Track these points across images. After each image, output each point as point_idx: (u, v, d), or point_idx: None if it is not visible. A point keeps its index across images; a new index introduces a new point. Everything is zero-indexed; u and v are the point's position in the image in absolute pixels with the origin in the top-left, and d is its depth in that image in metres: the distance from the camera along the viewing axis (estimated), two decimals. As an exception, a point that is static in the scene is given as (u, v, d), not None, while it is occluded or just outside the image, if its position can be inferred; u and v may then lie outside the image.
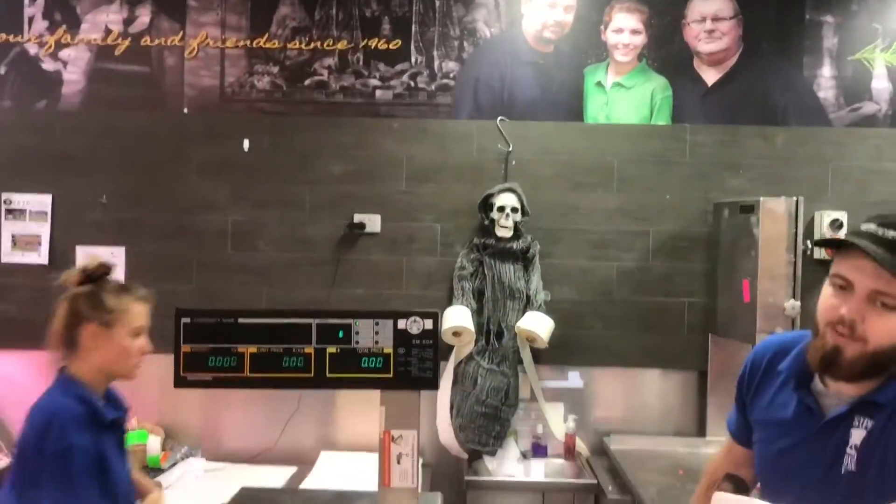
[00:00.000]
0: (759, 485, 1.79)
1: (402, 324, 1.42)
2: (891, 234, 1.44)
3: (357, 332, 1.43)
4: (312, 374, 1.41)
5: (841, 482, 1.53)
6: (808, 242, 3.32)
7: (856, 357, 1.47)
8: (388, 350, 1.42)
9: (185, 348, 1.40)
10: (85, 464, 1.99)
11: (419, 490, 1.45)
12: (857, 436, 1.52)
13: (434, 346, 1.42)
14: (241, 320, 1.42)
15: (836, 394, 1.57)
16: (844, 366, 1.49)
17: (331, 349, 1.42)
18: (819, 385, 1.61)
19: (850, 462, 1.52)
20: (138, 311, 2.18)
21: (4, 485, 2.08)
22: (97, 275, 2.18)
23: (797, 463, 1.61)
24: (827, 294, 1.52)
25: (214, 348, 1.41)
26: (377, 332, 1.43)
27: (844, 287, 1.47)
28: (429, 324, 1.42)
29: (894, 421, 1.49)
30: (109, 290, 2.16)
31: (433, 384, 1.42)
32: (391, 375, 1.41)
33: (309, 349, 1.41)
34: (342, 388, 1.41)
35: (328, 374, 1.42)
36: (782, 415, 1.65)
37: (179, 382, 1.40)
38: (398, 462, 1.43)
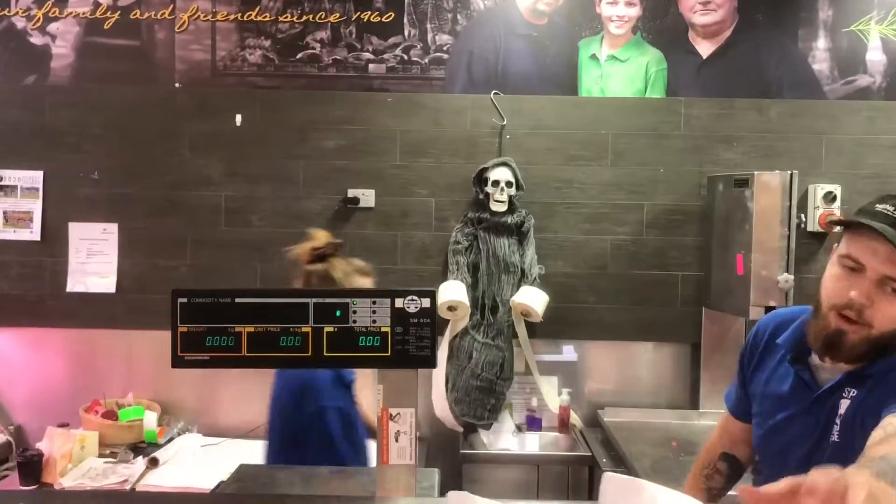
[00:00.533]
0: (757, 458, 1.81)
1: (399, 302, 1.42)
2: None
3: (354, 312, 1.42)
4: (310, 353, 1.41)
5: (827, 453, 1.55)
6: (802, 216, 3.35)
7: (859, 341, 1.46)
8: (386, 329, 1.41)
9: (182, 328, 1.40)
10: (339, 423, 2.20)
11: (417, 466, 1.45)
12: (844, 406, 1.53)
13: (432, 325, 1.42)
14: (237, 300, 1.41)
15: (832, 368, 1.58)
16: (846, 349, 1.49)
17: (328, 328, 1.41)
18: (816, 359, 1.61)
19: (835, 432, 1.53)
20: (363, 286, 2.36)
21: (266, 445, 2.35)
22: (327, 253, 2.34)
23: (791, 436, 1.63)
24: (834, 275, 1.49)
25: (211, 328, 1.40)
26: (374, 311, 1.42)
27: (854, 269, 1.45)
28: (426, 302, 1.42)
29: (876, 390, 1.49)
30: (338, 267, 2.33)
31: (431, 362, 1.42)
32: (389, 354, 1.41)
33: (306, 328, 1.41)
34: (340, 367, 1.41)
35: (326, 353, 1.41)
36: (780, 388, 1.66)
37: (177, 362, 1.40)
38: (396, 440, 1.44)
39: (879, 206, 1.46)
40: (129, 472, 3.11)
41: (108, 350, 3.69)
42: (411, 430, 1.44)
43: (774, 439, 1.67)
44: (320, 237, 2.41)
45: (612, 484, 1.17)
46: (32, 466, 3.04)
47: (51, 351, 3.69)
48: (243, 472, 1.65)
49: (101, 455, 3.30)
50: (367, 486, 1.59)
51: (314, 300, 1.42)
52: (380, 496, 1.44)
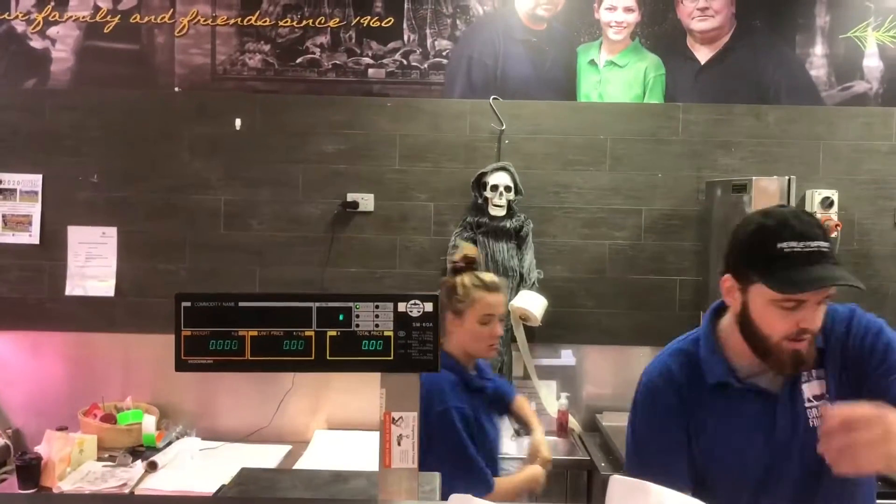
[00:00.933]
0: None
1: (402, 307, 1.42)
2: (813, 244, 1.53)
3: (357, 316, 1.43)
4: (313, 357, 1.42)
5: (805, 439, 1.60)
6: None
7: (812, 346, 1.60)
8: (389, 333, 1.42)
9: (186, 332, 1.40)
10: (462, 423, 2.34)
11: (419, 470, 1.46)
12: (811, 389, 1.63)
13: (434, 329, 1.43)
14: (241, 304, 1.42)
15: (762, 366, 1.65)
16: (809, 359, 1.61)
17: (331, 332, 1.42)
18: (751, 369, 1.68)
19: (813, 416, 1.62)
20: (487, 301, 2.49)
21: None
22: (460, 267, 2.53)
23: (777, 449, 1.64)
24: (778, 315, 1.57)
25: (215, 332, 1.41)
26: (377, 315, 1.43)
27: (794, 307, 1.55)
28: (429, 306, 1.43)
29: (848, 364, 1.63)
30: (464, 282, 2.50)
31: (434, 366, 1.43)
32: (392, 358, 1.42)
33: (309, 332, 1.42)
34: (343, 371, 1.42)
35: (329, 357, 1.42)
36: (742, 416, 1.67)
37: (181, 366, 1.40)
38: (398, 443, 1.44)
39: (787, 246, 1.53)
40: (128, 476, 3.11)
41: (107, 353, 3.69)
42: (413, 434, 1.44)
43: (753, 464, 1.66)
44: (466, 250, 2.58)
45: (620, 486, 1.18)
46: (31, 470, 3.03)
47: (49, 354, 3.68)
48: (245, 475, 1.66)
49: (99, 459, 3.30)
50: (367, 489, 1.59)
51: (317, 304, 1.42)
52: (382, 499, 1.45)
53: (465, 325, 2.49)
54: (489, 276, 2.57)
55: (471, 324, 2.49)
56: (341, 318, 1.42)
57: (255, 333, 1.40)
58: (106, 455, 3.32)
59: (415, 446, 1.43)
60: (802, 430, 1.63)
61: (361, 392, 3.68)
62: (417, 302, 1.43)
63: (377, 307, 1.42)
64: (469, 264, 2.55)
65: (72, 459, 3.16)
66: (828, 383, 1.64)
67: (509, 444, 3.51)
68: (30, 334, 3.69)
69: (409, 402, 1.44)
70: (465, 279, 2.51)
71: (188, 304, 1.41)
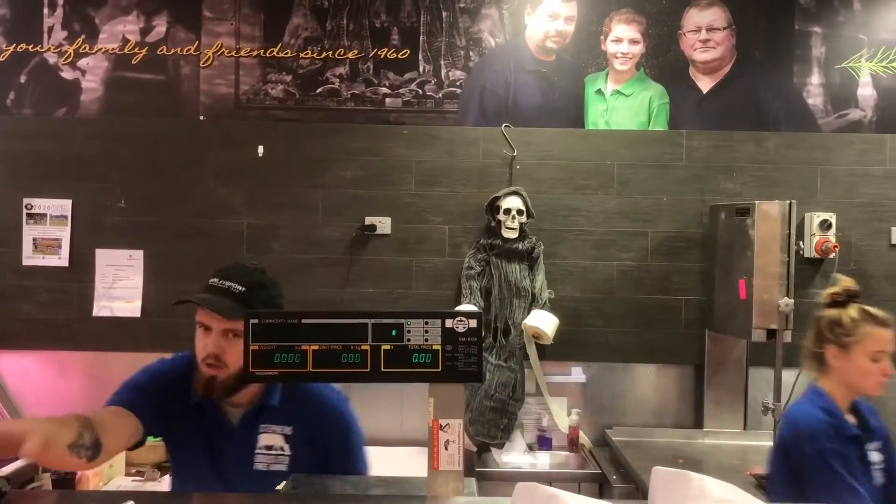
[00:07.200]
0: None
1: (449, 323, 1.57)
2: (226, 283, 2.10)
3: (409, 331, 1.57)
4: (369, 369, 1.56)
5: None
6: (801, 243, 3.54)
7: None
8: (437, 347, 1.56)
9: (254, 347, 1.54)
10: (842, 465, 2.27)
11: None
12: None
13: (478, 343, 1.57)
14: (304, 321, 1.56)
15: None
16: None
17: (385, 346, 1.56)
18: None
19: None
20: (878, 336, 2.38)
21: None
22: (842, 298, 2.44)
23: None
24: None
25: (280, 346, 1.55)
26: (427, 331, 1.57)
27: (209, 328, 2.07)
28: (473, 323, 1.58)
29: None
30: (850, 314, 2.41)
31: (478, 377, 1.57)
32: (440, 370, 1.56)
33: (365, 346, 1.56)
34: (395, 382, 1.56)
35: (383, 369, 1.56)
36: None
37: (248, 378, 1.55)
38: (445, 448, 1.58)
39: (210, 281, 2.13)
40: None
41: (133, 373, 3.78)
42: (459, 440, 1.58)
43: None
44: (845, 282, 2.49)
45: (661, 476, 1.29)
46: (66, 484, 3.14)
47: (77, 373, 3.79)
48: (297, 480, 1.79)
49: (127, 474, 3.41)
50: (411, 492, 1.72)
51: (372, 321, 1.57)
52: (431, 497, 1.58)
53: (853, 360, 2.39)
54: (876, 309, 2.44)
55: (860, 359, 2.38)
56: (394, 333, 1.56)
57: (317, 347, 1.54)
58: (133, 471, 3.43)
59: (460, 450, 1.57)
60: None
61: (382, 409, 3.80)
62: (463, 319, 1.57)
63: (426, 323, 1.56)
64: (851, 297, 2.46)
65: (103, 474, 3.27)
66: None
67: (522, 459, 3.63)
68: (58, 354, 3.81)
69: (455, 410, 1.58)
70: (852, 311, 2.41)
71: (256, 321, 1.56)
